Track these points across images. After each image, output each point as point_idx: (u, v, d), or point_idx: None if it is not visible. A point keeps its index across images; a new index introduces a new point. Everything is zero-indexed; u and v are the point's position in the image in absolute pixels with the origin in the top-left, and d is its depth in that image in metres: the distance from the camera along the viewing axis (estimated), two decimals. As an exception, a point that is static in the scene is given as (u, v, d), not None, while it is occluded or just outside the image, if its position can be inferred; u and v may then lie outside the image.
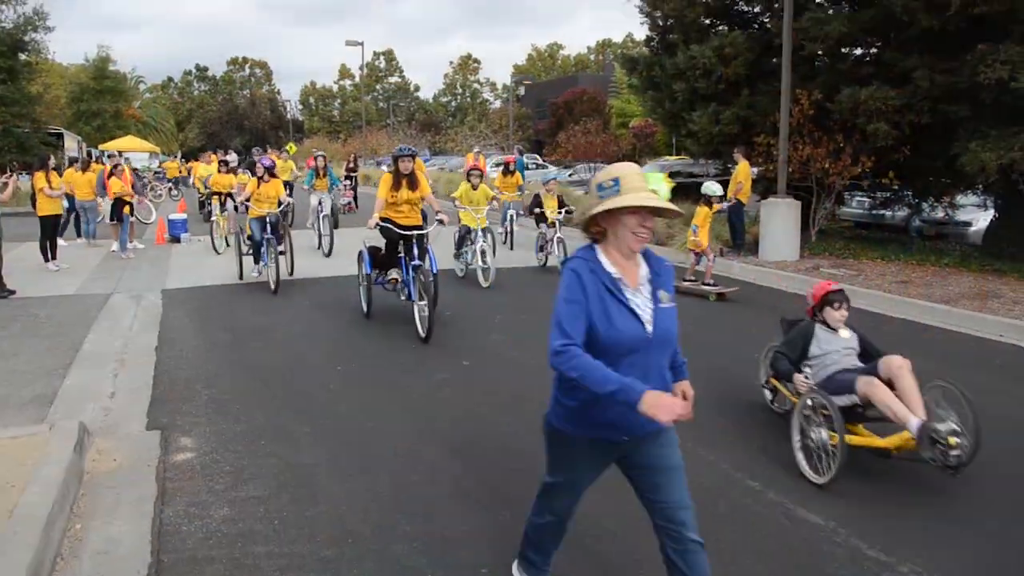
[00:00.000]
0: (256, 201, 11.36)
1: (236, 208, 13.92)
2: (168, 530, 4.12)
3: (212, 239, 15.26)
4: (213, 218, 15.79)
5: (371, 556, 3.86)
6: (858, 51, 15.15)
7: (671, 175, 24.63)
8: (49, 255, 13.14)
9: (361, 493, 4.54)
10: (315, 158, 16.83)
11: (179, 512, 4.32)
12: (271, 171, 11.82)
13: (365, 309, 9.20)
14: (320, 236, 15.10)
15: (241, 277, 11.81)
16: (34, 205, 13.57)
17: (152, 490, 4.59)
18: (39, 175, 13.14)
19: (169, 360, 7.46)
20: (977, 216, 15.91)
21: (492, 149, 40.35)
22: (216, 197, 15.93)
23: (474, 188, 11.96)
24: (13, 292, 10.60)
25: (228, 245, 14.38)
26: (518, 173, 15.82)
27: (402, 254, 8.59)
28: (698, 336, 8.15)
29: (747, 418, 5.88)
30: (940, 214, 15.93)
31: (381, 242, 9.00)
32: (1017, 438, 5.43)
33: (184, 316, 9.44)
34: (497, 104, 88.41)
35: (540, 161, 40.72)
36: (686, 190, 16.26)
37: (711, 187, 10.87)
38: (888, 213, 17.30)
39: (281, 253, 11.76)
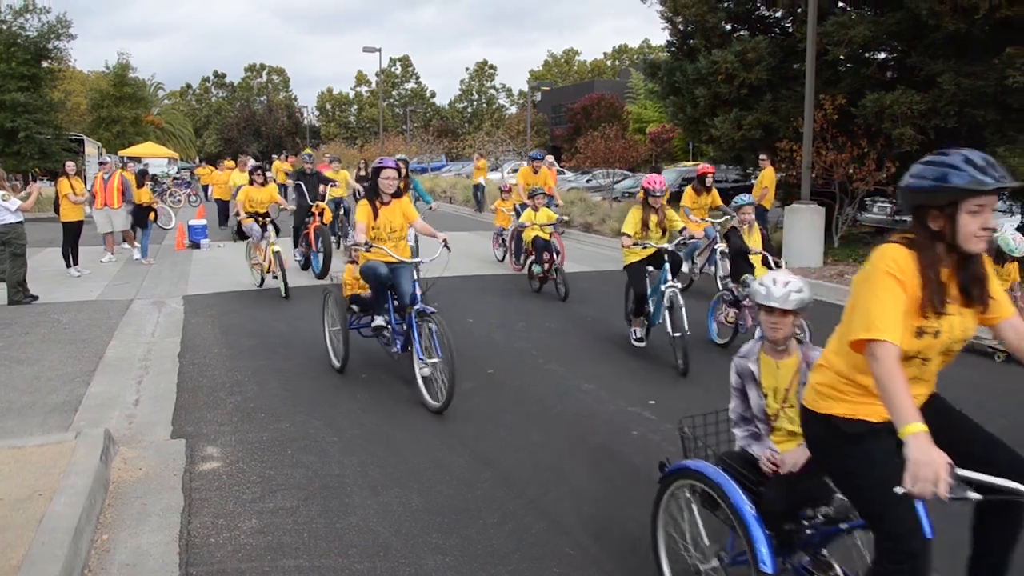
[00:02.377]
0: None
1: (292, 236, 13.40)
2: (196, 542, 4.06)
3: (254, 272, 11.79)
4: (259, 250, 11.50)
5: (404, 570, 3.77)
6: (882, 55, 15.01)
7: (688, 180, 24.59)
8: (71, 260, 13.17)
9: (393, 505, 4.46)
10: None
11: (207, 523, 4.26)
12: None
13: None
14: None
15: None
16: (57, 211, 13.61)
17: (179, 500, 4.53)
18: (63, 181, 13.20)
19: (192, 367, 7.42)
20: (1002, 222, 15.70)
21: (510, 155, 40.30)
22: (253, 218, 11.64)
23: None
24: (36, 297, 10.62)
25: (276, 279, 10.96)
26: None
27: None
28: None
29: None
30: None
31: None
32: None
33: (206, 322, 9.41)
34: (513, 110, 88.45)
35: (558, 167, 40.69)
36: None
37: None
38: (910, 218, 17.11)
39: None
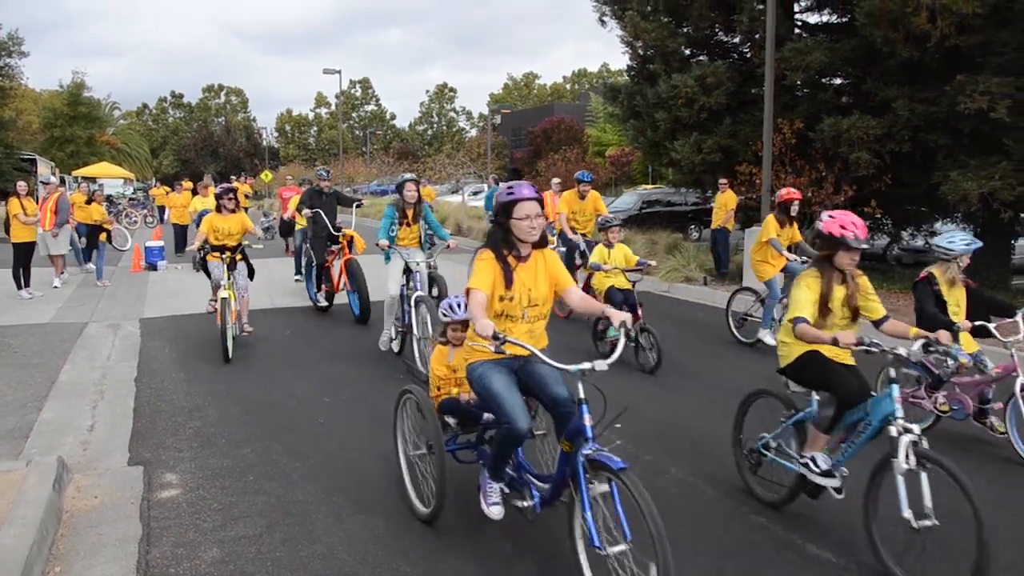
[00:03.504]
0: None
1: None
2: (155, 572, 3.92)
3: (224, 330, 8.46)
4: (222, 291, 8.71)
5: (371, 599, 3.68)
6: (838, 81, 15.33)
7: (648, 203, 24.84)
8: (22, 282, 12.82)
9: (358, 532, 4.36)
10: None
11: (166, 553, 4.12)
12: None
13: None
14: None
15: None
16: (8, 231, 13.27)
17: (136, 530, 4.38)
18: (14, 201, 12.87)
19: (150, 391, 7.23)
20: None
21: (470, 177, 40.35)
22: (218, 254, 9.06)
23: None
24: (-15, 321, 10.31)
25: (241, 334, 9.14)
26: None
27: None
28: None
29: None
30: (920, 242, 16.09)
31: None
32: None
33: (164, 346, 9.20)
34: (473, 133, 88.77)
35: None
36: (664, 219, 16.24)
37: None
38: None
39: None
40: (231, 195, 9.27)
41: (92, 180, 33.26)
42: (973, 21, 11.14)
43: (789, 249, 9.02)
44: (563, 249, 11.20)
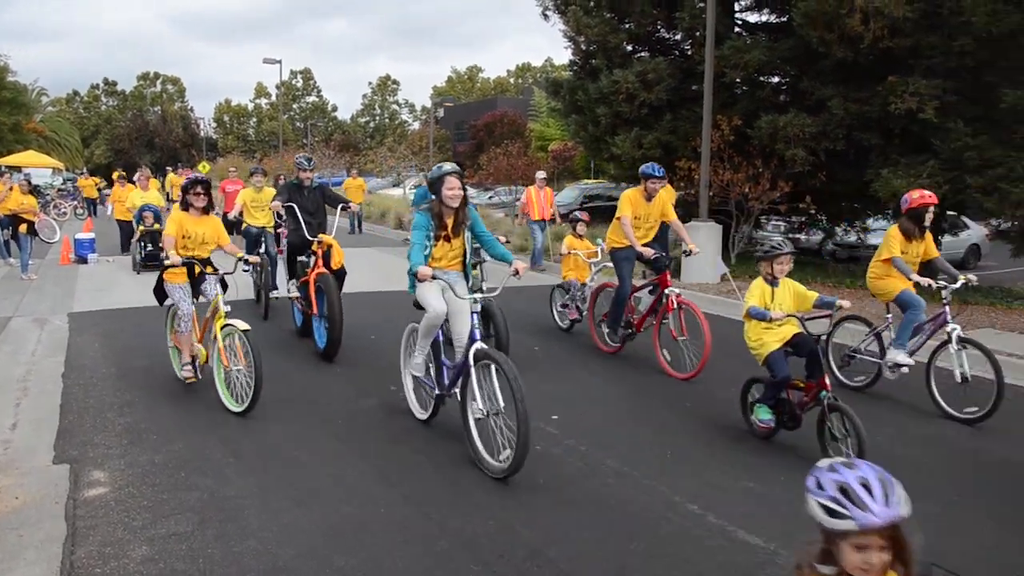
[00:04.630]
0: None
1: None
2: (80, 573, 3.79)
3: (175, 357, 7.25)
4: (195, 323, 6.99)
5: (306, 595, 3.62)
6: (775, 79, 15.63)
7: (590, 197, 25.01)
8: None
9: (293, 526, 4.29)
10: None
11: (92, 553, 3.99)
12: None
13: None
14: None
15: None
16: None
17: (61, 530, 4.24)
18: None
19: (78, 387, 7.00)
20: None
21: (412, 170, 40.06)
22: (189, 268, 6.90)
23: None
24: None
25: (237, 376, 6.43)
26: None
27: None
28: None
29: (694, 442, 5.84)
30: (853, 238, 16.53)
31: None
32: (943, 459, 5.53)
33: (94, 341, 8.92)
34: (416, 126, 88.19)
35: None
36: (605, 213, 16.29)
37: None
38: (803, 237, 17.87)
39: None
40: (201, 189, 6.84)
41: (17, 169, 32.09)
42: (904, 25, 11.48)
43: (923, 270, 7.00)
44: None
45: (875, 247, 16.57)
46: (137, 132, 75.21)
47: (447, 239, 5.83)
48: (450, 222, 5.77)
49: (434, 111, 55.90)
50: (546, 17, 17.52)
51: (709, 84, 13.38)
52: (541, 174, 15.50)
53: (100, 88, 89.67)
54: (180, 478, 4.95)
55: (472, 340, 5.24)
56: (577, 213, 10.47)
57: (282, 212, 9.23)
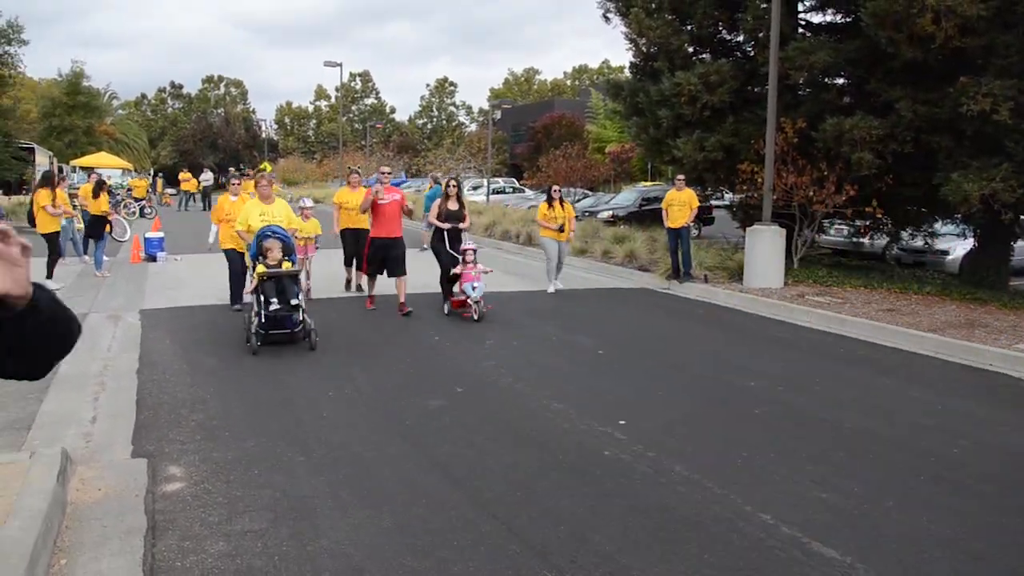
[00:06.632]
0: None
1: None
2: (161, 566, 3.91)
3: None
4: None
5: (379, 595, 3.67)
6: (841, 81, 15.32)
7: (648, 200, 24.87)
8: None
9: (364, 526, 4.36)
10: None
11: (172, 547, 4.11)
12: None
13: None
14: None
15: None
16: (32, 223, 13.34)
17: (142, 522, 4.38)
18: (42, 192, 13.00)
19: (152, 383, 7.22)
20: (954, 245, 16.13)
21: (470, 172, 40.28)
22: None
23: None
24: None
25: None
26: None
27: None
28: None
29: (753, 448, 5.78)
30: (919, 243, 16.11)
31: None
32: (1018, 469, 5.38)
33: (165, 337, 9.18)
34: (472, 127, 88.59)
35: (516, 185, 40.74)
36: (659, 215, 16.08)
37: None
38: (867, 241, 17.48)
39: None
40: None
41: (91, 170, 33.14)
42: (977, 23, 11.14)
43: None
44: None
45: (943, 252, 16.22)
46: (201, 133, 76.95)
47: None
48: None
49: (491, 113, 56.07)
50: (607, 19, 17.43)
51: (773, 86, 13.18)
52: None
53: (166, 91, 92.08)
54: (253, 475, 5.07)
55: None
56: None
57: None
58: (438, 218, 10.95)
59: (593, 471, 5.22)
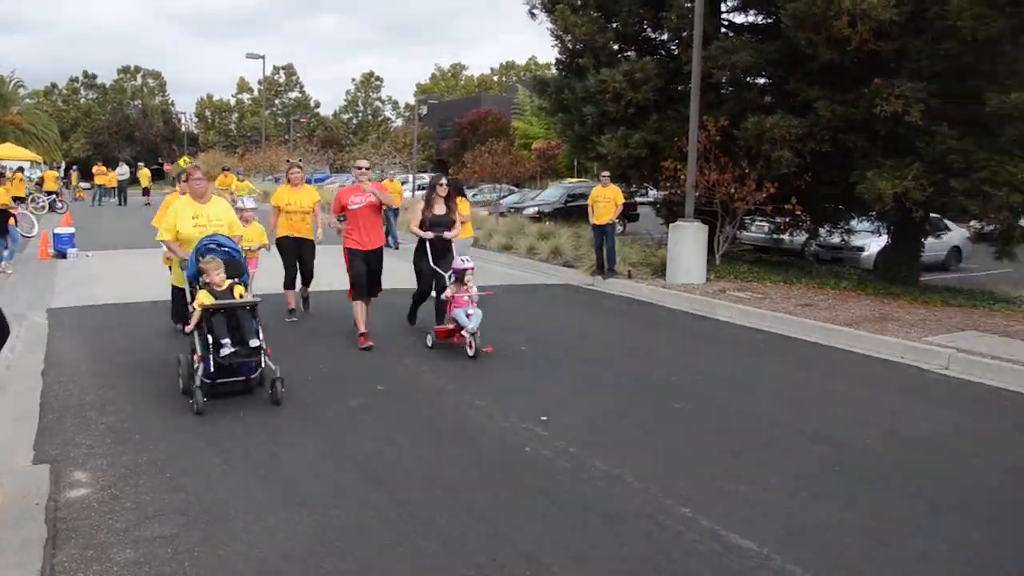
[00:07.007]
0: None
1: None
2: (62, 577, 3.71)
3: None
4: None
5: (295, 600, 3.55)
6: (762, 80, 15.64)
7: (573, 196, 25.05)
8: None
9: (280, 529, 4.22)
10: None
11: (74, 556, 3.90)
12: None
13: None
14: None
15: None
16: None
17: (41, 531, 4.14)
18: None
19: (58, 385, 6.88)
20: (869, 242, 16.68)
21: (395, 167, 39.91)
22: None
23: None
24: None
25: None
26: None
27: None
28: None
29: (674, 440, 5.82)
30: (836, 239, 16.62)
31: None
32: (935, 457, 5.54)
33: (74, 337, 8.78)
34: (399, 123, 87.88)
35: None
36: (585, 211, 16.18)
37: None
38: (786, 238, 17.94)
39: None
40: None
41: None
42: (890, 28, 11.52)
43: None
44: None
45: (859, 248, 16.78)
46: (117, 126, 74.47)
47: None
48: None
49: (418, 108, 55.69)
50: (533, 15, 17.44)
51: (696, 84, 13.37)
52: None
53: (79, 81, 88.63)
54: (165, 479, 4.86)
55: None
56: None
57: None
58: (420, 226, 8.91)
59: (514, 468, 5.18)
